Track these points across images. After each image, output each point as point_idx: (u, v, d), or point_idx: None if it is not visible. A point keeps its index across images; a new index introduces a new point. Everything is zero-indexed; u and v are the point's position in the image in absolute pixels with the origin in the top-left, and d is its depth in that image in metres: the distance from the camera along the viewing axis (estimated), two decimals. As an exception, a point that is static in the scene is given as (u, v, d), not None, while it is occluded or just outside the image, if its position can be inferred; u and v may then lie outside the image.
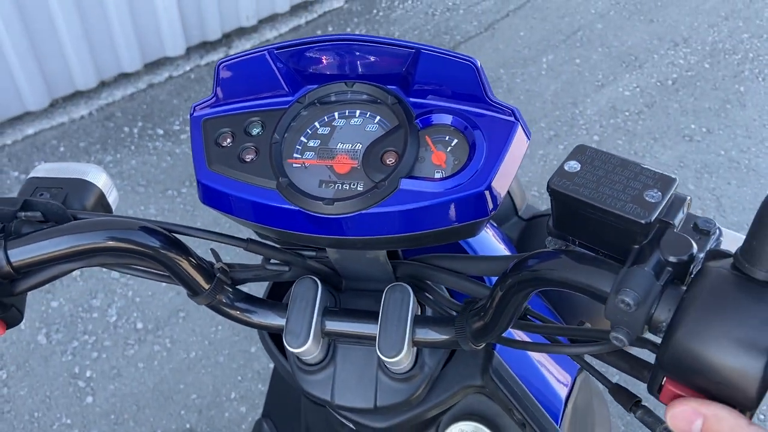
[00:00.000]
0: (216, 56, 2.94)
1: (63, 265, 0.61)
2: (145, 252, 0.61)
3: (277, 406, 1.32)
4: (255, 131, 0.61)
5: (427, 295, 0.68)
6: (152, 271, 0.66)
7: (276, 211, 0.58)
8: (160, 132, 2.59)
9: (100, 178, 0.74)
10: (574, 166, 0.49)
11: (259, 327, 0.69)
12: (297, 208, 0.57)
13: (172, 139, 2.57)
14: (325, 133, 0.61)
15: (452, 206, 0.54)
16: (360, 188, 0.57)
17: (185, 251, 0.63)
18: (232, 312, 0.67)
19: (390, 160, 0.57)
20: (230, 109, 0.62)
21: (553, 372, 0.84)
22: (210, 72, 2.86)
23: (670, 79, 3.11)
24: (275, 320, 0.67)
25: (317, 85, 0.62)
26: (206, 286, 0.65)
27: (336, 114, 0.61)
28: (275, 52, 0.60)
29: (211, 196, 0.60)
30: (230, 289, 0.67)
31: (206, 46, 2.95)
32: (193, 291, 0.65)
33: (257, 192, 0.58)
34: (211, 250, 0.68)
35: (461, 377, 0.71)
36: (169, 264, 0.62)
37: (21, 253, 0.59)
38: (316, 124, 0.61)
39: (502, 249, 1.00)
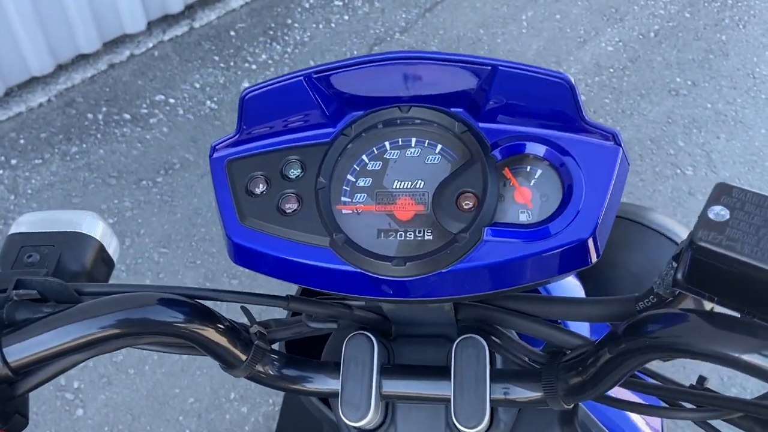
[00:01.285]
0: (179, 30, 2.76)
1: (72, 357, 0.50)
2: (167, 330, 0.50)
3: (294, 427, 1.25)
4: (294, 173, 0.50)
5: (496, 340, 0.59)
6: (178, 344, 0.56)
7: (331, 273, 0.48)
8: (127, 117, 2.43)
9: (96, 228, 0.62)
10: (721, 213, 0.40)
11: (309, 394, 0.59)
12: (357, 270, 0.47)
13: (141, 124, 2.41)
14: (376, 168, 0.51)
15: (549, 259, 0.45)
16: (430, 238, 0.47)
17: (215, 320, 0.53)
18: (276, 382, 0.57)
19: (467, 203, 0.47)
20: (260, 146, 0.51)
21: (644, 418, 0.77)
22: (175, 48, 2.69)
23: (652, 31, 3.03)
24: (328, 385, 0.57)
25: (363, 111, 0.51)
26: (243, 357, 0.55)
27: (387, 144, 0.51)
28: (314, 77, 0.49)
29: (247, 257, 0.50)
30: (271, 355, 0.57)
31: (168, 20, 2.76)
32: (229, 364, 0.55)
33: (306, 251, 0.48)
34: (242, 309, 0.58)
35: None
36: (197, 338, 0.52)
37: (20, 351, 0.48)
38: (364, 157, 0.51)
39: (575, 285, 0.91)
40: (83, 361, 0.52)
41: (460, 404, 0.53)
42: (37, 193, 2.18)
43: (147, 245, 2.11)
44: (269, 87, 0.50)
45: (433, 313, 0.58)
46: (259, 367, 0.56)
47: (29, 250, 0.59)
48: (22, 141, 2.32)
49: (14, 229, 0.62)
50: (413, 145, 0.51)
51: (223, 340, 0.53)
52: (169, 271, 2.05)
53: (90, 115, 2.42)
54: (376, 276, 0.46)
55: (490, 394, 0.54)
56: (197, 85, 2.58)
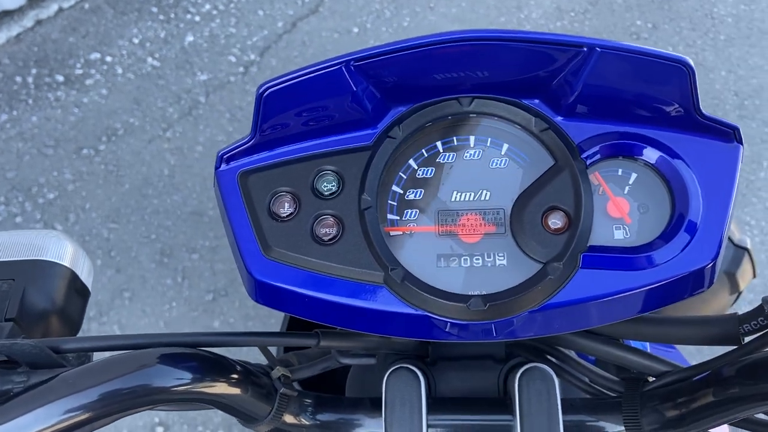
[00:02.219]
0: (110, -21, 2.50)
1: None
2: (174, 396, 0.40)
3: None
4: (329, 189, 0.40)
5: (557, 362, 0.51)
6: (189, 402, 0.45)
7: (388, 316, 0.38)
8: (60, 79, 2.21)
9: (64, 252, 0.50)
10: None
11: None
12: (422, 313, 0.37)
13: (76, 86, 2.20)
14: (428, 176, 0.40)
15: (660, 290, 0.37)
16: (504, 263, 0.38)
17: (229, 372, 0.42)
18: (307, 426, 0.48)
19: (556, 223, 0.38)
20: (284, 154, 0.40)
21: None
22: (108, 0, 2.44)
23: (612, -28, 2.95)
24: (369, 427, 0.48)
25: (409, 105, 0.40)
26: (267, 408, 0.45)
27: (439, 144, 0.41)
28: (355, 64, 0.38)
29: (276, 297, 0.40)
30: (301, 400, 0.47)
31: (97, -32, 2.50)
32: (249, 419, 0.45)
33: (354, 290, 0.38)
34: (262, 350, 0.48)
35: None
36: (211, 398, 0.42)
37: None
38: (411, 162, 0.41)
39: None
40: None
41: None
42: (-35, 169, 1.97)
43: (94, 221, 1.95)
44: (295, 79, 0.38)
45: None
46: (287, 417, 0.46)
47: None
48: (-59, 110, 2.08)
49: None
50: (472, 144, 0.41)
51: (241, 395, 0.43)
52: (121, 249, 1.90)
53: (18, 79, 2.19)
54: (446, 320, 0.37)
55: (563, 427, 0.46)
56: (136, 41, 2.37)
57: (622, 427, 0.46)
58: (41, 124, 2.10)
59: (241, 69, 2.38)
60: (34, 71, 2.22)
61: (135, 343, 0.42)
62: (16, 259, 0.48)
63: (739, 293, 0.85)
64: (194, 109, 2.24)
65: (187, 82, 2.29)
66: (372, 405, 0.49)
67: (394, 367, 0.48)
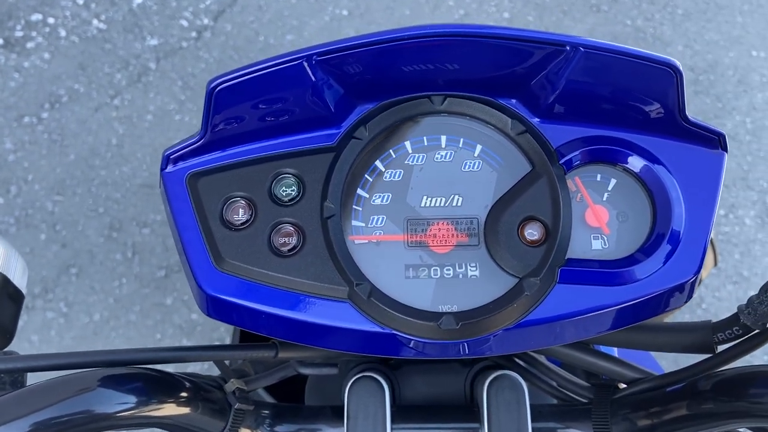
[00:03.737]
0: (51, -66, 2.35)
1: None
2: (121, 420, 0.37)
3: None
4: (288, 194, 0.36)
5: (525, 366, 0.49)
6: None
7: (352, 335, 0.35)
8: (-2, 41, 2.08)
9: (8, 268, 0.45)
10: None
11: None
12: (389, 332, 0.35)
13: (17, 50, 2.07)
14: (396, 179, 0.37)
15: (640, 306, 0.35)
16: (476, 275, 0.36)
17: (179, 390, 0.39)
18: None
19: (532, 234, 0.35)
20: (238, 154, 0.36)
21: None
22: (49, -43, 2.30)
23: (573, -58, 2.92)
24: None
25: (375, 103, 0.37)
26: (221, 425, 0.42)
27: (408, 144, 0.38)
28: (318, 58, 0.34)
29: (228, 312, 0.36)
30: (259, 412, 0.44)
31: None
32: None
33: (315, 307, 0.35)
34: (216, 363, 0.44)
35: None
36: (160, 421, 0.39)
37: None
38: (378, 164, 0.37)
39: None
40: None
41: None
42: None
43: (38, 193, 1.86)
44: (251, 74, 0.34)
45: None
46: (244, 430, 0.43)
47: None
48: None
49: None
50: (443, 145, 0.38)
51: (192, 414, 0.40)
52: (66, 222, 1.82)
53: (-49, 40, 2.05)
54: (416, 339, 0.34)
55: None
56: (80, 2, 2.24)
57: None
58: (-22, 89, 1.98)
59: (194, 34, 2.28)
60: (-32, 32, 2.08)
61: (73, 362, 0.38)
62: None
63: (700, 281, 0.86)
64: (144, 75, 2.14)
65: (136, 47, 2.19)
66: (333, 414, 0.46)
67: (356, 377, 0.45)
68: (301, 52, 0.34)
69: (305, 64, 0.34)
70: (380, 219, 0.37)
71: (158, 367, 0.40)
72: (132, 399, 0.36)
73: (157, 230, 1.84)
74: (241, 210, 0.36)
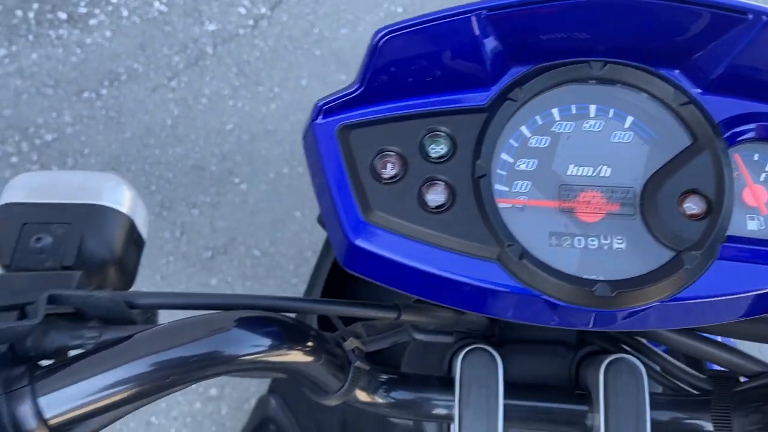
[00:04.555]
0: None
1: (128, 406, 0.36)
2: (252, 362, 0.37)
3: (290, 384, 1.14)
4: (438, 151, 0.36)
5: (636, 355, 0.48)
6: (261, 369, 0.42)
7: (499, 296, 0.35)
8: (63, 16, 2.12)
9: (122, 197, 0.46)
10: None
11: (416, 419, 0.47)
12: (539, 295, 0.34)
13: (80, 26, 2.11)
14: (542, 146, 0.37)
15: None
16: (622, 247, 0.35)
17: (308, 340, 0.39)
18: (378, 407, 0.45)
19: (693, 208, 0.34)
20: (391, 110, 0.36)
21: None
22: (117, -62, 2.34)
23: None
24: (439, 409, 0.45)
25: (530, 66, 0.37)
26: (340, 380, 0.42)
27: (555, 112, 0.37)
28: (487, 14, 0.34)
29: (370, 265, 0.36)
30: (371, 375, 0.44)
31: None
32: (319, 391, 0.42)
33: (463, 265, 0.35)
34: (335, 320, 0.44)
35: None
36: (289, 366, 0.39)
37: (62, 402, 0.33)
38: (524, 130, 0.37)
39: None
40: (141, 407, 0.38)
41: None
42: (-40, 103, 1.89)
43: (93, 167, 1.88)
44: (419, 26, 0.34)
45: None
46: (358, 391, 0.43)
47: (36, 230, 0.43)
48: (-64, 39, 1.99)
49: (8, 196, 0.45)
50: (592, 115, 0.37)
51: (317, 365, 0.40)
52: (120, 198, 1.85)
53: (19, 13, 2.10)
54: (566, 305, 0.34)
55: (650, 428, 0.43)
56: (143, -17, 2.27)
57: (709, 427, 0.44)
58: (41, 62, 2.02)
59: (251, 22, 2.30)
60: (35, 6, 2.12)
61: (210, 302, 0.39)
62: (71, 202, 0.44)
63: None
64: (201, 59, 2.17)
65: (195, 31, 2.22)
66: (441, 384, 0.46)
67: (470, 348, 0.45)
68: (470, 6, 0.34)
69: (474, 18, 0.34)
70: (524, 185, 0.36)
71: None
72: (266, 342, 0.37)
73: (206, 212, 1.86)
74: (390, 164, 0.36)
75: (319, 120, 0.37)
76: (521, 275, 0.34)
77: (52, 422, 0.33)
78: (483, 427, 0.43)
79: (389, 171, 0.36)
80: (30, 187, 0.45)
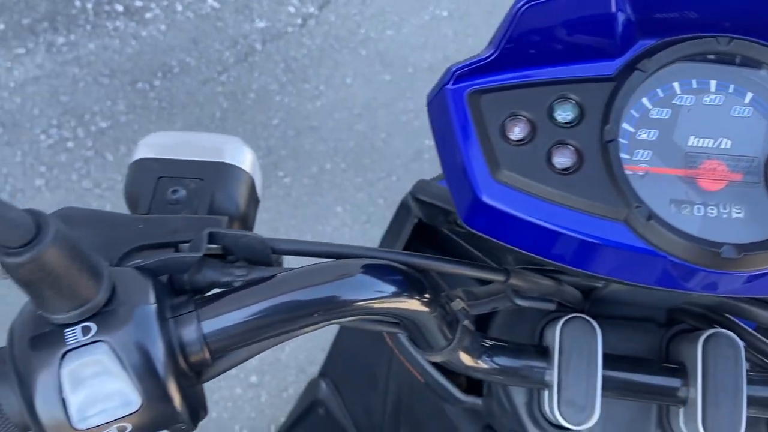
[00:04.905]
0: None
1: (270, 340, 0.39)
2: (374, 309, 0.39)
3: (341, 367, 1.16)
4: (565, 117, 0.38)
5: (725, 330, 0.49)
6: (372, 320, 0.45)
7: (624, 256, 0.37)
8: (120, 9, 2.18)
9: (245, 158, 0.49)
10: None
11: (512, 384, 0.49)
12: (664, 255, 0.36)
13: (135, 19, 2.17)
14: (663, 117, 0.39)
15: None
16: (740, 216, 0.37)
17: (426, 292, 0.42)
18: (475, 371, 0.47)
19: None
20: (521, 77, 0.39)
21: None
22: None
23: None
24: (536, 375, 0.47)
25: (657, 38, 0.39)
26: (447, 338, 0.44)
27: (676, 86, 0.39)
28: None
29: (496, 222, 0.38)
30: (474, 336, 0.47)
31: None
32: (426, 345, 0.44)
33: (589, 224, 0.37)
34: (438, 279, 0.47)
35: None
36: (407, 315, 0.41)
37: (221, 329, 0.36)
38: (645, 101, 0.39)
39: None
40: (273, 346, 0.40)
41: (714, 413, 0.44)
42: (21, 87, 1.96)
43: (145, 155, 1.93)
44: (562, -1, 0.37)
45: (658, 294, 0.48)
46: (461, 353, 0.46)
47: (171, 184, 0.46)
48: (1, 26, 2.06)
49: (143, 152, 0.48)
50: (713, 89, 0.39)
51: (430, 317, 0.42)
52: (170, 186, 1.90)
53: (78, 3, 2.16)
54: (692, 266, 0.36)
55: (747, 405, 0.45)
56: (196, -20, 2.33)
57: None
58: (98, 52, 2.08)
59: (300, 21, 2.35)
60: (94, -2, 2.19)
61: (338, 252, 0.42)
62: (201, 159, 0.47)
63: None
64: (250, 55, 2.22)
65: (245, 28, 2.27)
66: (537, 353, 0.48)
67: (568, 317, 0.47)
68: (609, -20, 0.37)
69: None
70: (646, 153, 0.38)
71: None
72: (389, 289, 0.39)
73: (254, 202, 1.90)
74: (517, 128, 0.38)
75: (450, 85, 0.39)
76: (648, 236, 0.36)
77: (212, 345, 0.36)
78: (582, 392, 0.45)
79: (517, 134, 0.38)
80: (161, 145, 0.49)
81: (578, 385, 0.45)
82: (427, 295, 0.41)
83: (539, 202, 0.37)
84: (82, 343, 0.33)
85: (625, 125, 0.39)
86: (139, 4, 2.22)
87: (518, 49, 0.38)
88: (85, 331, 0.33)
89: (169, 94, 2.05)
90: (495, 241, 0.40)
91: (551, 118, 0.38)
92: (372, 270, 0.39)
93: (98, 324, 0.33)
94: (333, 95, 2.20)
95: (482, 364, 0.47)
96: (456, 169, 0.39)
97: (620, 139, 0.38)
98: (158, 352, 0.34)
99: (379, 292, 0.39)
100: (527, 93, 0.38)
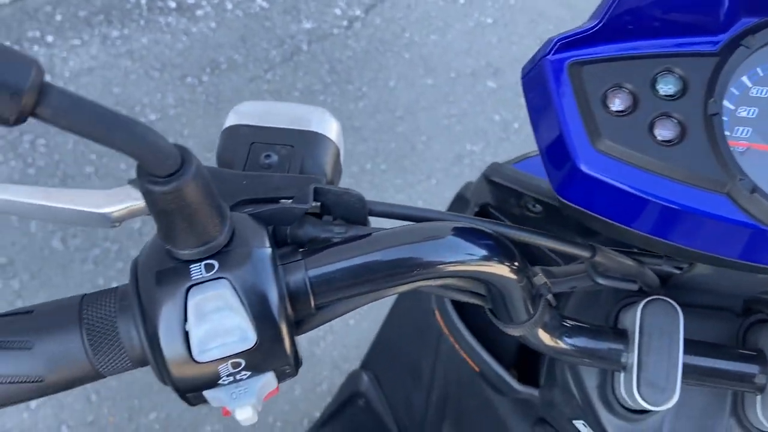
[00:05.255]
0: None
1: (377, 292, 0.40)
2: (469, 272, 0.40)
3: (384, 360, 1.17)
4: (668, 90, 0.39)
5: None
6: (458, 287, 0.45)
7: (728, 232, 0.37)
8: (172, 5, 2.23)
9: (332, 128, 0.50)
10: None
11: (589, 364, 0.50)
12: (767, 229, 0.36)
13: (187, 15, 2.22)
14: (762, 96, 0.39)
15: None
16: None
17: (515, 259, 0.42)
18: (552, 350, 0.47)
19: None
20: (623, 50, 0.39)
21: None
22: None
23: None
24: (613, 356, 0.48)
25: (759, 17, 0.39)
26: (528, 311, 0.44)
27: None
28: None
29: (595, 193, 0.39)
30: (554, 313, 0.47)
31: None
32: (506, 317, 0.45)
33: (692, 196, 0.37)
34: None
35: None
36: (496, 280, 0.42)
37: (326, 280, 0.37)
38: (745, 79, 0.39)
39: None
40: (365, 304, 0.41)
41: None
42: (75, 77, 2.01)
43: (191, 148, 1.97)
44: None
45: (740, 279, 0.48)
46: (540, 330, 0.46)
47: (263, 149, 0.47)
48: (58, 17, 2.12)
49: (235, 119, 0.50)
50: None
51: (519, 287, 0.43)
52: (214, 178, 1.93)
53: (132, -1, 2.22)
54: None
55: None
56: (246, -20, 2.37)
57: None
58: (150, 46, 2.13)
59: (345, 23, 2.37)
60: (148, -6, 2.24)
61: (431, 216, 0.42)
62: (291, 128, 0.49)
63: None
64: (296, 55, 2.25)
65: (292, 28, 2.30)
66: (614, 334, 0.48)
67: (650, 298, 0.47)
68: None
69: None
70: (745, 130, 0.39)
71: None
72: (480, 252, 0.40)
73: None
74: (618, 99, 0.39)
75: (551, 56, 0.40)
76: (751, 209, 0.36)
77: (317, 295, 0.37)
78: (663, 373, 0.45)
79: (618, 105, 0.39)
80: (251, 113, 0.50)
81: (659, 365, 0.45)
82: (516, 263, 0.41)
83: (640, 172, 0.38)
84: (206, 278, 0.34)
85: (725, 102, 0.39)
86: (191, 1, 2.27)
87: (621, 21, 0.39)
88: (208, 268, 0.34)
89: (217, 90, 2.09)
90: (587, 213, 0.40)
91: (654, 90, 0.38)
92: (465, 233, 0.40)
93: (220, 262, 0.34)
94: (376, 97, 2.22)
95: (561, 344, 0.47)
96: (553, 140, 0.39)
97: (723, 117, 0.39)
98: (273, 295, 0.35)
99: (470, 255, 0.40)
100: (630, 65, 0.39)
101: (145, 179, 0.31)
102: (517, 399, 0.75)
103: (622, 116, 0.38)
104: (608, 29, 0.39)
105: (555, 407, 0.64)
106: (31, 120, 0.27)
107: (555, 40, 0.40)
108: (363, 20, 2.41)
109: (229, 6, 2.28)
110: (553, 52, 0.40)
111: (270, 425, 1.69)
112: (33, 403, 1.59)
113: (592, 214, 0.40)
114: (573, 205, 0.40)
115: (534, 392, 0.70)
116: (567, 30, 0.40)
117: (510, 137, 2.22)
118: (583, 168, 0.38)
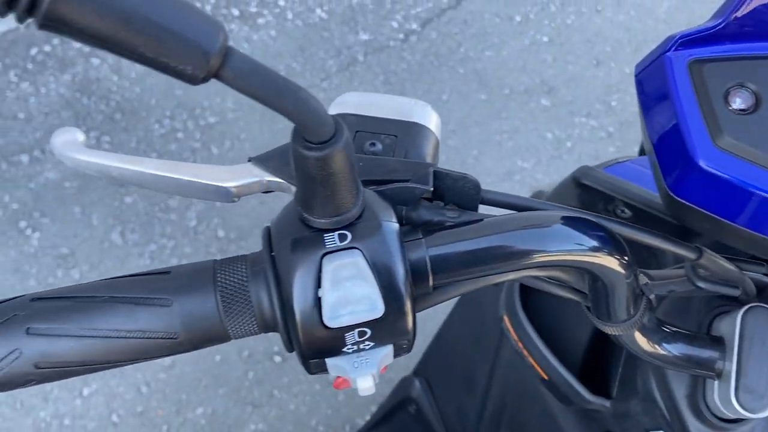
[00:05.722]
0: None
1: (490, 277, 0.41)
2: (577, 262, 0.40)
3: (438, 367, 1.17)
4: None
5: None
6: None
7: None
8: (236, 13, 2.29)
9: (432, 120, 0.51)
10: None
11: (683, 370, 0.50)
12: None
13: (249, 23, 2.28)
14: None
15: None
16: None
17: (624, 254, 0.42)
18: (647, 354, 0.47)
19: None
20: (746, 49, 0.40)
21: None
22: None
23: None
24: (709, 363, 0.48)
25: None
26: (629, 310, 0.45)
27: None
28: None
29: (710, 188, 0.39)
30: (651, 314, 0.47)
31: None
32: (607, 315, 0.45)
33: None
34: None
35: None
36: (603, 272, 0.42)
37: (445, 257, 0.38)
38: None
39: None
40: (478, 287, 0.42)
41: None
42: (141, 78, 2.07)
43: (247, 151, 2.01)
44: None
45: None
46: (637, 332, 0.46)
47: (368, 138, 0.49)
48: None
49: (339, 108, 0.51)
50: None
51: (626, 283, 0.43)
52: (269, 182, 1.96)
53: (197, 4, 2.28)
54: None
55: None
56: (307, -9, 2.43)
57: None
58: (212, 51, 2.18)
59: (402, 36, 2.40)
60: (212, 1, 2.31)
61: (538, 207, 0.43)
62: (394, 118, 0.50)
63: None
64: (352, 65, 2.28)
65: (350, 39, 2.34)
66: (711, 341, 0.48)
67: (750, 306, 0.47)
68: None
69: None
70: None
71: None
72: (590, 243, 0.40)
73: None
74: (740, 98, 0.39)
75: (671, 53, 0.41)
76: None
77: (436, 272, 0.38)
78: (764, 379, 0.45)
79: (740, 104, 0.39)
80: (355, 103, 0.52)
81: (759, 372, 0.45)
82: (626, 258, 0.42)
83: (761, 170, 0.38)
84: (340, 247, 0.35)
85: None
86: (253, 10, 2.32)
87: (746, 21, 0.40)
88: (342, 237, 0.36)
89: (275, 96, 2.13)
90: (699, 212, 0.41)
91: None
92: (577, 223, 0.41)
93: (352, 233, 0.36)
94: (429, 110, 2.24)
95: (657, 348, 0.47)
96: (670, 136, 0.40)
97: None
98: (400, 269, 0.36)
99: (582, 245, 0.40)
100: (753, 65, 0.39)
101: (299, 144, 0.33)
102: (582, 410, 0.74)
103: (744, 115, 0.39)
104: (731, 29, 0.40)
105: (630, 418, 0.64)
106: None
107: (676, 37, 0.41)
108: (419, 34, 2.44)
109: (290, 16, 2.33)
110: (674, 48, 0.41)
111: (313, 428, 1.70)
112: (86, 390, 1.63)
113: (706, 212, 0.40)
114: (686, 203, 0.41)
115: (605, 403, 0.69)
116: (688, 28, 0.40)
117: (562, 156, 2.21)
118: (702, 164, 0.39)
